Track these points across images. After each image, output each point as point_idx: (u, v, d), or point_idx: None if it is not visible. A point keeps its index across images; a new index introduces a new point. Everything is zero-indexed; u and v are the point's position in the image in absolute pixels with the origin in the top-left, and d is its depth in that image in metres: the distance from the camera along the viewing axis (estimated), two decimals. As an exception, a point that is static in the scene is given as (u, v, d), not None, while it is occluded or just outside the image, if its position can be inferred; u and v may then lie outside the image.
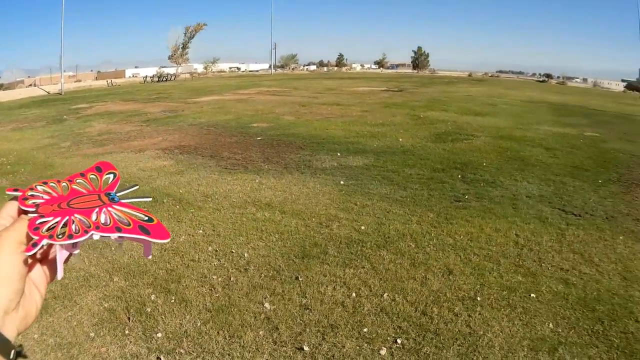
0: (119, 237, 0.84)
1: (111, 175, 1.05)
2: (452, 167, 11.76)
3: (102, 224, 0.84)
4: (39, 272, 0.86)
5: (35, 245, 0.76)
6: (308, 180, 10.54)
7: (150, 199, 1.12)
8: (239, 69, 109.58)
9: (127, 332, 4.97)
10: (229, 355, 4.57)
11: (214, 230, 7.59)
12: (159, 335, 4.90)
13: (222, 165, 11.97)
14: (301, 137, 15.85)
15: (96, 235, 0.82)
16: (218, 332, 4.92)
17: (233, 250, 6.87)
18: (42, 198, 0.89)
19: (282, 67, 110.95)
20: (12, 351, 0.75)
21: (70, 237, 0.78)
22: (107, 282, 6.01)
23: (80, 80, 71.54)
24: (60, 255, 0.82)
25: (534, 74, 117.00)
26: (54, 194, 0.92)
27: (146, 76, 67.10)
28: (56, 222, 0.81)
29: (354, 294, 5.64)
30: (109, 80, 62.43)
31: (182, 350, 4.65)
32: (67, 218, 0.83)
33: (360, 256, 6.68)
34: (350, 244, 7.06)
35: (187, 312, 5.30)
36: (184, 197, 9.19)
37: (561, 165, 12.19)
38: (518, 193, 9.66)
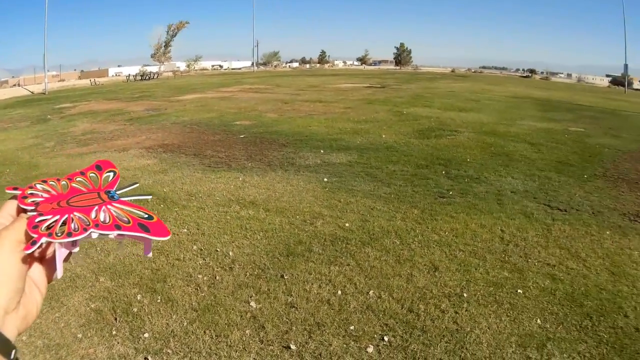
0: (119, 235, 0.83)
1: (111, 174, 1.04)
2: (436, 163, 11.79)
3: (102, 222, 0.84)
4: (39, 271, 0.85)
5: (34, 243, 0.75)
6: (291, 177, 10.53)
7: (150, 197, 1.10)
8: (221, 66, 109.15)
9: (114, 332, 4.94)
10: (216, 354, 4.55)
11: (198, 229, 7.56)
12: (146, 335, 4.87)
13: (205, 164, 11.93)
14: (284, 134, 15.83)
15: (95, 234, 0.81)
16: (205, 332, 4.90)
17: (218, 249, 6.84)
18: (42, 196, 0.88)
19: (264, 64, 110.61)
20: (13, 351, 0.74)
21: (69, 235, 0.78)
22: (93, 282, 5.96)
23: (63, 80, 70.98)
24: (60, 253, 0.81)
25: (517, 70, 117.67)
26: (54, 193, 0.91)
27: (129, 75, 66.82)
28: (55, 220, 0.80)
29: (339, 292, 5.63)
30: (92, 79, 62.02)
31: (169, 351, 4.62)
32: (66, 216, 0.82)
33: (345, 253, 6.67)
34: (334, 242, 7.05)
35: (174, 311, 5.27)
36: (168, 196, 9.14)
37: (546, 161, 12.25)
38: (503, 189, 9.70)
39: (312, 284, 5.83)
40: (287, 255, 6.61)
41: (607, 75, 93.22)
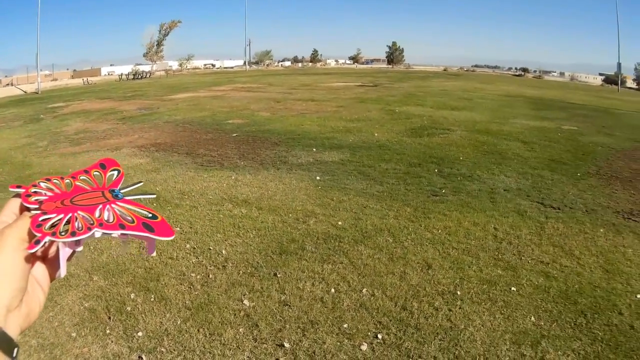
0: (123, 234, 0.83)
1: (115, 172, 1.03)
2: (429, 161, 11.80)
3: (106, 221, 0.83)
4: (42, 270, 0.85)
5: (38, 242, 0.74)
6: (284, 176, 10.52)
7: (155, 196, 1.10)
8: (213, 65, 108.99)
9: (108, 331, 4.93)
10: (209, 353, 4.54)
11: (191, 228, 7.54)
12: (140, 334, 4.86)
13: (198, 163, 11.91)
14: (277, 133, 15.82)
15: (98, 233, 0.80)
16: (198, 330, 4.89)
17: (211, 248, 6.83)
18: (45, 195, 0.87)
19: (256, 63, 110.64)
20: (15, 349, 0.73)
21: (73, 234, 0.77)
22: (86, 281, 5.95)
23: (56, 79, 70.83)
24: (63, 253, 0.81)
25: (510, 68, 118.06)
26: (57, 191, 0.90)
27: (121, 74, 66.79)
28: (59, 219, 0.80)
29: (332, 290, 5.63)
30: (85, 79, 61.92)
31: (163, 349, 4.61)
32: (70, 215, 0.81)
33: (338, 251, 6.67)
34: (327, 240, 7.05)
35: (167, 310, 5.26)
36: (161, 195, 9.11)
37: (539, 159, 12.29)
38: (496, 187, 9.72)
39: (306, 282, 5.83)
40: (280, 254, 6.61)
41: (600, 74, 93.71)
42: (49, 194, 0.88)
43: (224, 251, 6.71)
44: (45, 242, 0.74)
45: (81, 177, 0.97)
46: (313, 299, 5.45)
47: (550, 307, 5.28)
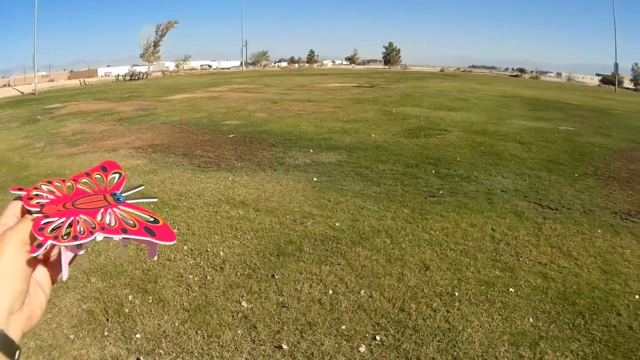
0: (124, 238, 0.83)
1: (117, 175, 1.03)
2: (426, 162, 11.81)
3: (107, 224, 0.83)
4: (43, 272, 0.85)
5: (40, 246, 0.74)
6: (281, 177, 10.52)
7: (156, 199, 1.10)
8: (210, 66, 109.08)
9: (106, 333, 4.92)
10: (208, 355, 4.54)
11: (188, 229, 7.54)
12: (138, 336, 4.85)
13: (195, 164, 11.90)
14: (273, 134, 15.82)
15: (100, 237, 0.80)
16: (196, 332, 4.88)
17: (208, 249, 6.82)
18: (47, 198, 0.87)
19: (253, 64, 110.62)
20: (17, 352, 0.73)
21: (75, 238, 0.77)
22: (84, 283, 5.94)
23: (53, 80, 70.70)
24: (65, 256, 0.81)
25: (507, 69, 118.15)
26: (59, 194, 0.90)
27: (118, 75, 66.89)
28: (61, 223, 0.79)
29: (330, 291, 5.63)
30: (82, 80, 61.87)
31: (161, 351, 4.61)
32: (72, 219, 0.81)
33: (336, 253, 6.67)
34: (325, 241, 7.05)
35: (165, 312, 5.26)
36: (158, 196, 9.08)
37: (536, 160, 12.30)
38: (493, 188, 9.72)
39: (303, 283, 5.82)
40: (277, 255, 6.60)
41: (597, 74, 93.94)
42: (51, 197, 0.88)
43: (221, 253, 6.70)
44: (47, 246, 0.74)
45: (83, 180, 0.97)
46: (311, 301, 5.44)
47: (549, 308, 5.29)
